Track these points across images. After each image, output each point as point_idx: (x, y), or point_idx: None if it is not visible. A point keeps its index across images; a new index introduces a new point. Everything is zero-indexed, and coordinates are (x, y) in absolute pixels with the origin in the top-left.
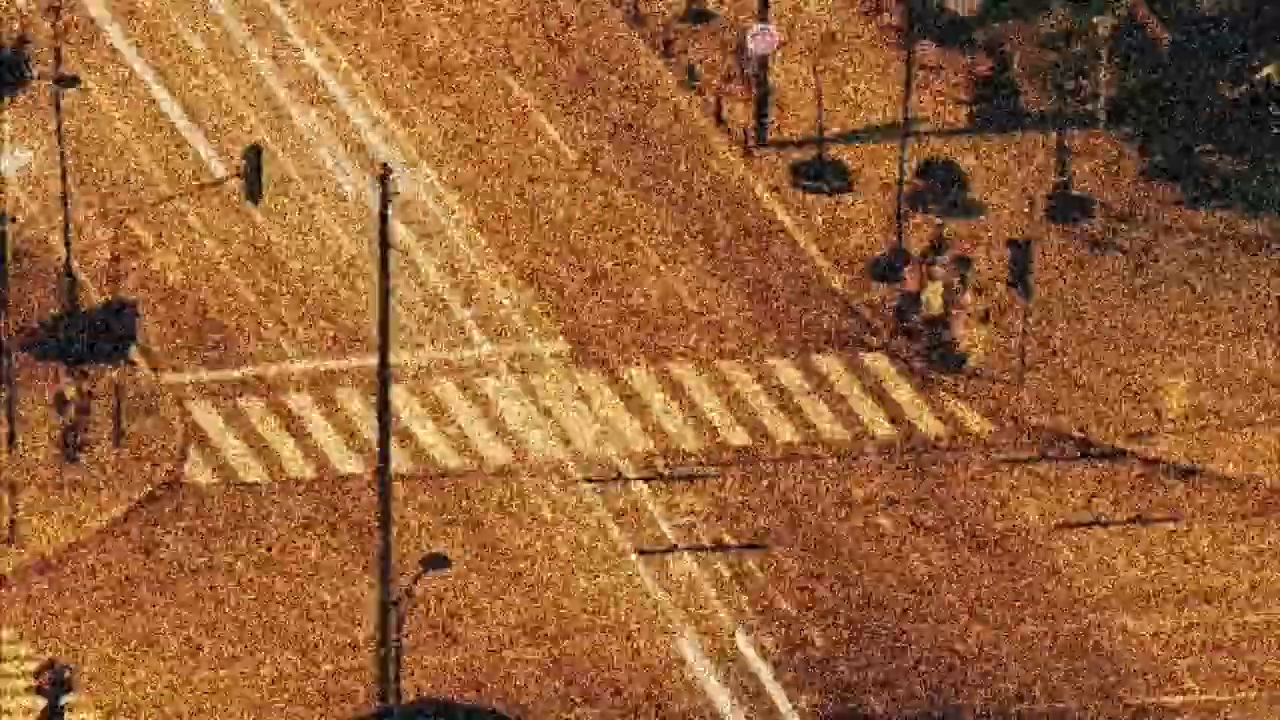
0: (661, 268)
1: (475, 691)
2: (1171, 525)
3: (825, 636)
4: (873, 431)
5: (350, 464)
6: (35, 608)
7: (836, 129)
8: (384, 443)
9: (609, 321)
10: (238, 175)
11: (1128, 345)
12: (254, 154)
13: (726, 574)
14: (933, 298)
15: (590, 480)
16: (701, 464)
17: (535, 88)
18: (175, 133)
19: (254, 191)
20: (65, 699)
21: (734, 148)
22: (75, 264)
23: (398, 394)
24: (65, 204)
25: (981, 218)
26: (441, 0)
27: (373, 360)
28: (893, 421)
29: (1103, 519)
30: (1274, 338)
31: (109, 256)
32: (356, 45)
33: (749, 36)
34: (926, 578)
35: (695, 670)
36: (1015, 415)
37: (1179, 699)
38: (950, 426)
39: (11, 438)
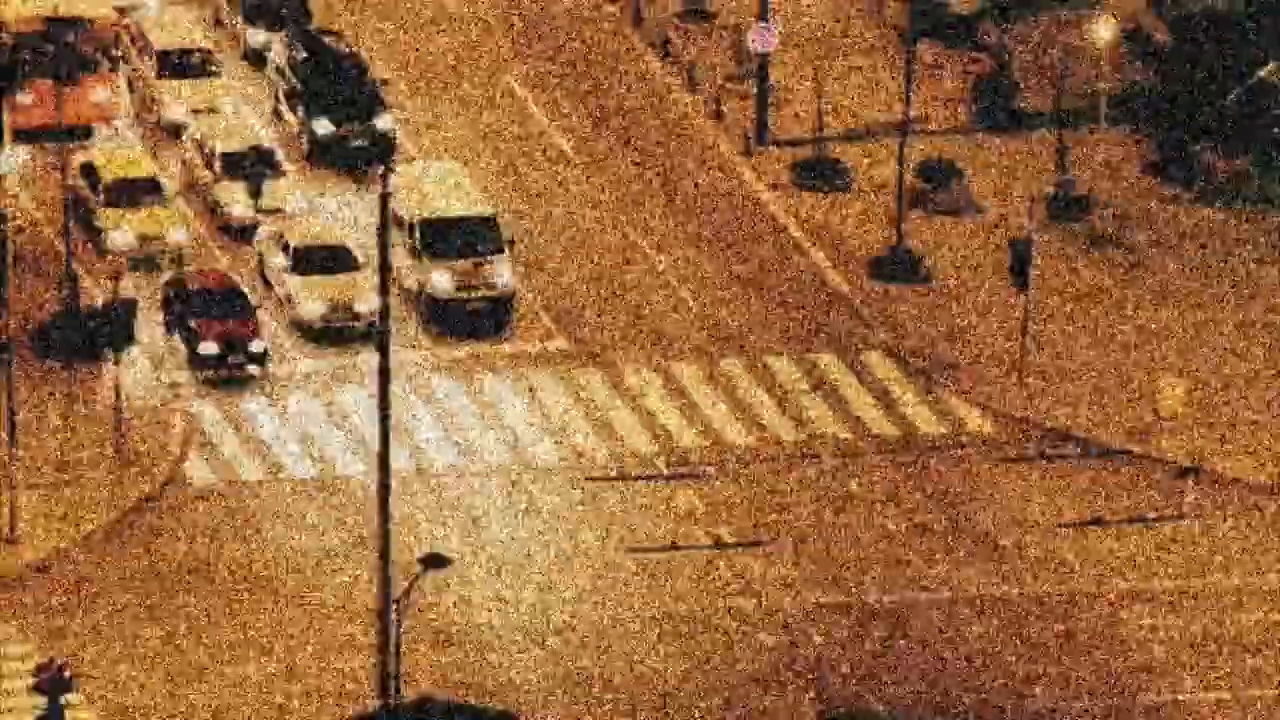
0: (661, 266)
1: (475, 691)
2: (1172, 524)
3: (825, 636)
4: (873, 431)
5: (352, 465)
6: (35, 608)
7: (837, 129)
8: (384, 442)
9: (609, 320)
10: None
11: (1128, 345)
12: (254, 153)
13: (727, 573)
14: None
15: (590, 479)
16: (701, 463)
17: (534, 86)
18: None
19: (255, 190)
20: (65, 699)
21: (734, 147)
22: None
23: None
24: (66, 203)
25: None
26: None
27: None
28: (893, 421)
29: (1103, 518)
30: (1274, 337)
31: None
32: (359, 40)
33: (749, 35)
34: (926, 576)
35: (693, 668)
36: (1015, 414)
37: (1180, 698)
38: (950, 426)
39: (12, 438)
